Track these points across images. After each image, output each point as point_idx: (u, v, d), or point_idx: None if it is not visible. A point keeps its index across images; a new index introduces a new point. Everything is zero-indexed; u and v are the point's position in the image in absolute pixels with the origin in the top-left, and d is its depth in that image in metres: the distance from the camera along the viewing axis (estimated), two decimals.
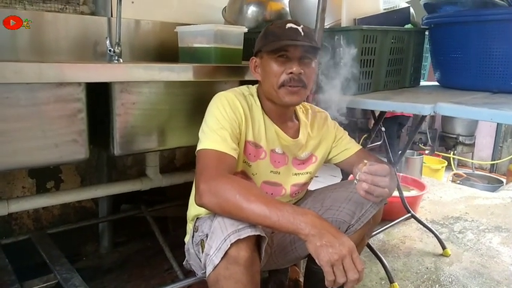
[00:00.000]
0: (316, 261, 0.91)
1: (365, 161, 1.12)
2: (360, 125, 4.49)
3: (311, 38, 1.15)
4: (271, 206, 0.94)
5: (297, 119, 1.30)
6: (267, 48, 1.14)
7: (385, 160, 1.90)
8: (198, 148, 1.11)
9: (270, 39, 1.14)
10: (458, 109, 1.19)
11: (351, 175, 1.53)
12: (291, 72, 1.13)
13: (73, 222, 1.80)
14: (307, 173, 1.31)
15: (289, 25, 1.14)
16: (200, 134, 1.13)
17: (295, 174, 1.29)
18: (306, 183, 1.34)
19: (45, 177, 1.77)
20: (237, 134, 1.14)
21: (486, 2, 1.47)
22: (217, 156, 1.06)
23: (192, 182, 1.31)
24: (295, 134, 1.27)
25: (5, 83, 1.02)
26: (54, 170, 1.78)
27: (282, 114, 1.23)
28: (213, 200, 0.99)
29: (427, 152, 4.20)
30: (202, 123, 1.15)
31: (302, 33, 1.12)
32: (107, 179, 1.87)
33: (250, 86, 1.27)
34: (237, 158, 1.11)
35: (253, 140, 1.19)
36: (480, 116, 1.14)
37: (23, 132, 1.09)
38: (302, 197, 1.38)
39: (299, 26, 1.14)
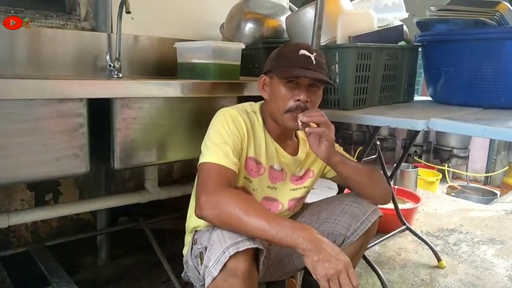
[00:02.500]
0: (313, 275, 0.94)
1: None
2: (355, 137, 4.54)
3: (322, 67, 1.16)
4: (270, 221, 0.97)
5: (296, 136, 1.33)
6: (279, 74, 1.16)
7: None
8: (200, 161, 1.13)
9: (282, 63, 1.16)
10: (450, 125, 1.23)
11: (346, 189, 1.56)
12: (298, 100, 1.15)
13: (71, 235, 1.81)
14: (304, 187, 1.34)
15: (302, 52, 1.15)
16: (203, 148, 1.16)
17: (293, 189, 1.31)
18: (303, 197, 1.36)
19: (44, 189, 1.78)
20: (239, 149, 1.16)
21: (477, 21, 1.51)
22: (218, 170, 1.09)
23: (189, 195, 1.34)
24: (294, 152, 1.30)
25: (10, 99, 1.04)
26: (52, 182, 1.80)
27: (283, 133, 1.26)
28: (214, 212, 1.01)
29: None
30: (205, 137, 1.17)
31: (314, 62, 1.14)
32: (105, 192, 1.88)
33: (252, 103, 1.29)
34: (237, 172, 1.14)
35: (254, 156, 1.22)
36: (472, 131, 1.18)
37: (25, 147, 1.10)
38: (299, 210, 1.41)
39: (312, 53, 1.15)
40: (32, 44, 1.57)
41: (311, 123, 1.16)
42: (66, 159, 1.18)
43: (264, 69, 1.25)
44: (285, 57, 1.17)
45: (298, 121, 1.15)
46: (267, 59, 1.25)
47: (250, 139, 1.20)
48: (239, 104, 1.27)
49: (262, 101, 1.28)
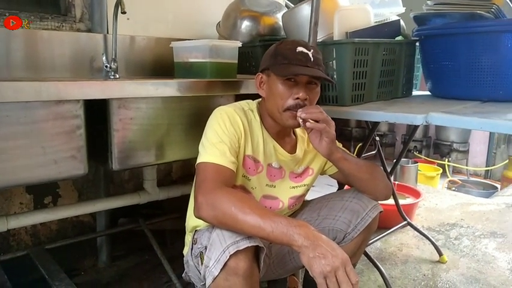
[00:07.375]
0: (309, 272, 0.93)
1: None
2: (354, 134, 4.54)
3: (319, 64, 1.16)
4: (265, 218, 0.96)
5: (294, 134, 1.32)
6: (277, 72, 1.15)
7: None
8: (197, 161, 1.13)
9: (280, 61, 1.15)
10: (449, 119, 1.22)
11: (346, 185, 1.56)
12: (297, 98, 1.14)
13: (71, 237, 1.81)
14: (304, 185, 1.33)
15: (299, 49, 1.14)
16: (200, 148, 1.15)
17: (293, 187, 1.31)
18: (303, 195, 1.36)
19: (42, 192, 1.78)
20: (236, 148, 1.15)
21: (473, 15, 1.50)
22: (215, 169, 1.08)
23: (189, 195, 1.33)
24: (292, 149, 1.29)
25: (5, 102, 1.04)
26: (51, 185, 1.80)
27: (281, 131, 1.26)
28: (211, 212, 1.01)
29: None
30: (202, 136, 1.17)
31: (312, 59, 1.13)
32: (104, 194, 1.88)
33: (250, 101, 1.29)
34: (235, 171, 1.13)
35: (252, 154, 1.21)
36: (470, 125, 1.17)
37: (22, 150, 1.10)
38: (299, 207, 1.40)
39: (309, 50, 1.14)
40: (28, 46, 1.57)
41: (310, 120, 1.15)
42: (64, 161, 1.17)
43: (260, 67, 1.24)
44: (282, 54, 1.15)
45: (298, 118, 1.14)
46: (263, 56, 1.24)
47: (247, 137, 1.19)
48: (236, 102, 1.27)
49: (260, 99, 1.28)
